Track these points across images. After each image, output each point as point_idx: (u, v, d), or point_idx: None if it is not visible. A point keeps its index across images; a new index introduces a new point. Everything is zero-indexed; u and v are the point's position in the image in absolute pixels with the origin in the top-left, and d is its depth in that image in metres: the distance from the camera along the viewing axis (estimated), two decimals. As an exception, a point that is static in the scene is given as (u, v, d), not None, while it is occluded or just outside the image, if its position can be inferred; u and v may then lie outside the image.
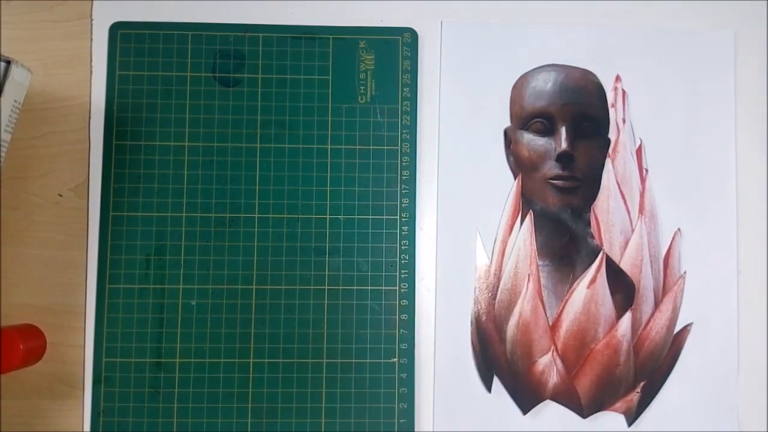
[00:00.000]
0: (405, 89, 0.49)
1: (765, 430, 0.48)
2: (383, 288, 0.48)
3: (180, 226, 0.48)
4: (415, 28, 0.50)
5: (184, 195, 0.48)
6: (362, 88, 0.49)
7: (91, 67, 0.49)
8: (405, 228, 0.48)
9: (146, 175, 0.48)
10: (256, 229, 0.48)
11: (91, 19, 0.49)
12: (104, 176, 0.48)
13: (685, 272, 0.49)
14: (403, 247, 0.48)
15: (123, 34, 0.49)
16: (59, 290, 0.47)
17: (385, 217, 0.48)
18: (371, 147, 0.49)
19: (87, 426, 0.46)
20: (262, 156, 0.48)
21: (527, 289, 0.48)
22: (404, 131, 0.49)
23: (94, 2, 0.49)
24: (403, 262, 0.48)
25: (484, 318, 0.48)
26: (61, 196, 0.48)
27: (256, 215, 0.48)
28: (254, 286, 0.47)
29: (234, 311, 0.47)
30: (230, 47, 0.49)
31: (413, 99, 0.49)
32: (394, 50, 0.49)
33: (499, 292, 0.48)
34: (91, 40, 0.49)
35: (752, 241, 0.49)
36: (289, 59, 0.49)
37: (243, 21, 0.49)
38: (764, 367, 0.48)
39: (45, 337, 0.47)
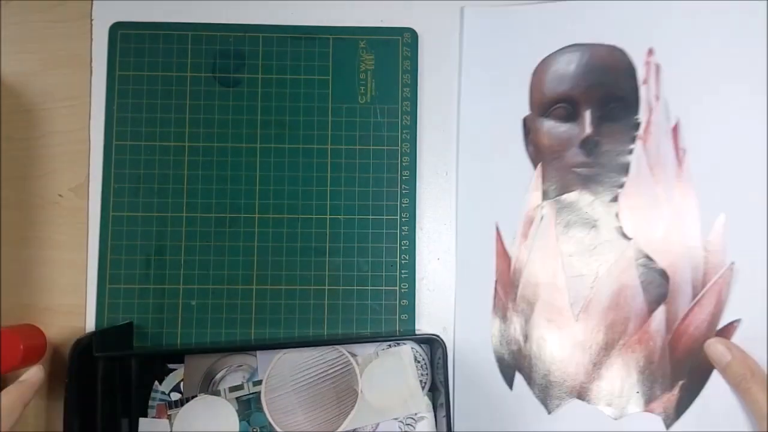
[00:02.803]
0: (405, 89, 0.49)
1: None
2: (383, 288, 0.48)
3: (180, 226, 0.48)
4: (415, 28, 0.50)
5: (184, 195, 0.48)
6: (362, 88, 0.49)
7: (91, 67, 0.49)
8: (405, 228, 0.48)
9: (146, 175, 0.48)
10: (256, 229, 0.48)
11: (91, 19, 0.49)
12: (104, 176, 0.48)
13: (732, 263, 0.44)
14: (403, 247, 0.48)
15: (123, 34, 0.49)
16: (59, 290, 0.47)
17: (385, 217, 0.48)
18: (371, 147, 0.49)
19: (87, 426, 0.46)
20: (262, 156, 0.48)
21: (551, 283, 0.46)
22: (404, 131, 0.49)
23: (94, 2, 0.49)
24: (403, 262, 0.48)
25: (507, 313, 0.46)
26: (61, 196, 0.48)
27: (256, 215, 0.48)
28: (254, 286, 0.47)
29: (234, 311, 0.47)
30: (230, 47, 0.49)
31: (413, 99, 0.49)
32: (394, 50, 0.49)
33: (521, 286, 0.46)
34: (91, 40, 0.49)
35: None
36: (289, 59, 0.49)
37: (243, 21, 0.49)
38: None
39: (45, 337, 0.47)
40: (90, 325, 0.47)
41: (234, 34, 0.49)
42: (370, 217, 0.48)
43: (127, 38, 0.49)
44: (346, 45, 0.49)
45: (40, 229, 0.48)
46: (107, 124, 0.48)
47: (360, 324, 0.47)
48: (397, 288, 0.48)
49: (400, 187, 0.48)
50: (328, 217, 0.48)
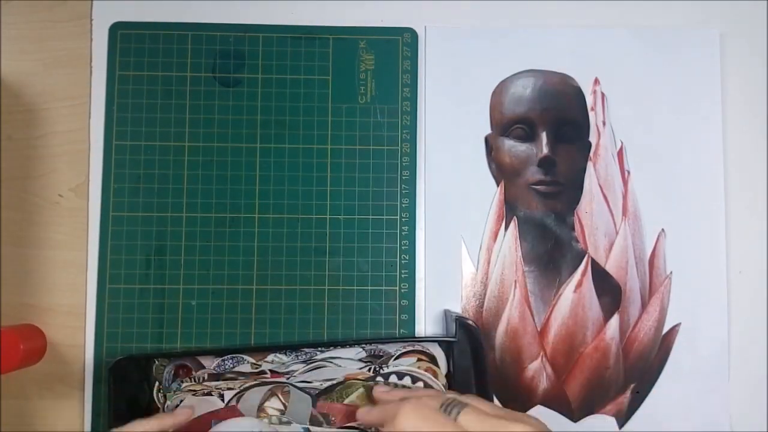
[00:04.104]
0: (405, 89, 0.49)
1: (758, 430, 0.48)
2: (383, 288, 0.48)
3: (180, 226, 0.48)
4: (415, 28, 0.50)
5: (184, 195, 0.48)
6: (362, 88, 0.49)
7: (91, 67, 0.49)
8: (405, 228, 0.48)
9: (146, 175, 0.48)
10: (256, 229, 0.48)
11: (91, 19, 0.49)
12: (104, 176, 0.48)
13: (671, 272, 0.49)
14: (403, 247, 0.48)
15: (123, 34, 0.49)
16: (59, 290, 0.47)
17: (385, 217, 0.48)
18: (371, 147, 0.49)
19: (87, 426, 0.46)
20: (262, 156, 0.48)
21: (514, 295, 0.48)
22: (404, 131, 0.49)
23: (94, 2, 0.49)
24: (403, 262, 0.48)
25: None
26: (61, 196, 0.48)
27: (256, 215, 0.48)
28: (254, 286, 0.47)
29: (234, 311, 0.47)
30: (230, 47, 0.49)
31: (413, 99, 0.49)
32: (394, 50, 0.49)
33: (486, 299, 0.48)
34: (91, 40, 0.49)
35: (744, 240, 0.49)
36: (289, 59, 0.49)
37: (243, 21, 0.49)
38: (756, 365, 0.48)
39: (45, 337, 0.47)
40: (90, 325, 0.47)
41: (234, 34, 0.49)
42: (370, 217, 0.48)
43: (127, 38, 0.49)
44: (346, 45, 0.49)
45: (40, 229, 0.48)
46: (107, 124, 0.48)
47: (360, 324, 0.47)
48: (397, 288, 0.48)
49: (400, 187, 0.48)
50: (328, 217, 0.48)
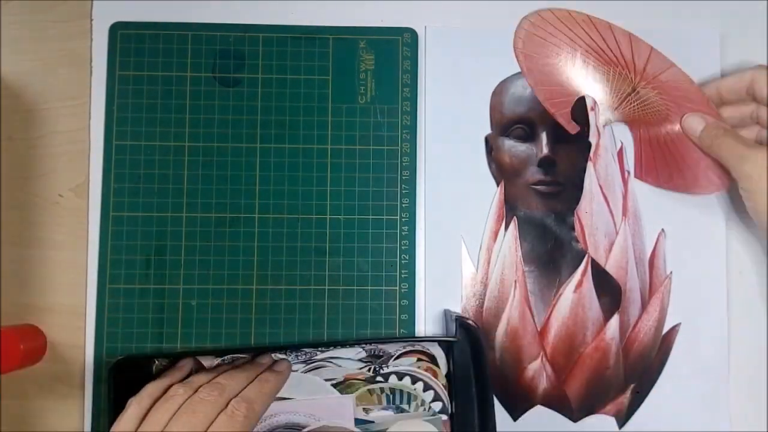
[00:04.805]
0: (405, 89, 0.49)
1: (758, 430, 0.48)
2: (383, 288, 0.48)
3: (180, 226, 0.48)
4: (415, 28, 0.50)
5: (184, 195, 0.48)
6: (362, 88, 0.49)
7: (91, 67, 0.49)
8: (405, 228, 0.48)
9: (146, 175, 0.48)
10: (256, 229, 0.48)
11: (91, 19, 0.49)
12: (104, 176, 0.48)
13: (671, 273, 0.49)
14: (403, 247, 0.48)
15: (123, 34, 0.49)
16: (59, 290, 0.47)
17: (385, 217, 0.48)
18: (371, 147, 0.49)
19: (87, 426, 0.46)
20: (262, 156, 0.48)
21: (514, 295, 0.48)
22: (404, 131, 0.49)
23: (94, 2, 0.49)
24: (403, 262, 0.48)
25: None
26: (61, 196, 0.48)
27: (256, 215, 0.48)
28: (254, 286, 0.47)
29: (234, 311, 0.47)
30: (230, 47, 0.49)
31: (413, 99, 0.49)
32: (394, 50, 0.49)
33: (486, 299, 0.48)
34: (91, 40, 0.49)
35: (744, 240, 0.49)
36: (289, 59, 0.49)
37: (243, 21, 0.49)
38: (756, 365, 0.49)
39: (45, 337, 0.47)
40: (90, 324, 0.47)
41: (234, 34, 0.49)
42: (370, 217, 0.48)
43: (127, 38, 0.49)
44: (346, 45, 0.49)
45: (40, 229, 0.48)
46: (107, 124, 0.48)
47: (360, 324, 0.47)
48: (397, 288, 0.48)
49: (400, 187, 0.48)
50: (328, 217, 0.48)
